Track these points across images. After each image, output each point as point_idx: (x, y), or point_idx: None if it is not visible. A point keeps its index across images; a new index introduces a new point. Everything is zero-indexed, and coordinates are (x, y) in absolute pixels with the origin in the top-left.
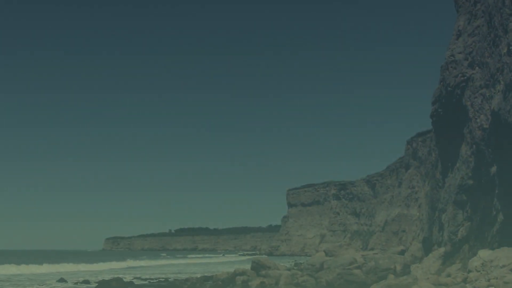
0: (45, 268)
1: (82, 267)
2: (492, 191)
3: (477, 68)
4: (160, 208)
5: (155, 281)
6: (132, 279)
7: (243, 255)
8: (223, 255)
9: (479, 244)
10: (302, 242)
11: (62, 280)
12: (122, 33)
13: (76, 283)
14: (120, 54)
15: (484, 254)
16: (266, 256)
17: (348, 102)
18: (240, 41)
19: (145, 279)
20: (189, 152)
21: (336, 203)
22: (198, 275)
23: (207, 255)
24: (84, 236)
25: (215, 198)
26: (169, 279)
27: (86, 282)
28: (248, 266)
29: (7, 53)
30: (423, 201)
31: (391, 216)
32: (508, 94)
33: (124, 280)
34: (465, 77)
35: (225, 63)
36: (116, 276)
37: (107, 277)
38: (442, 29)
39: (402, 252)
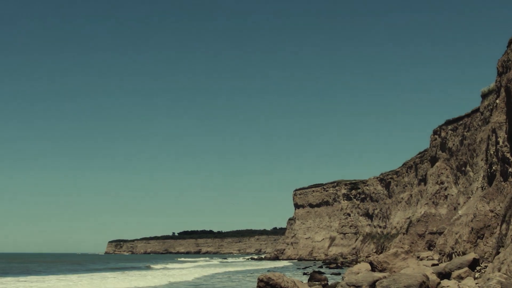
0: None
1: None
2: None
3: None
4: (163, 211)
5: None
6: None
7: (262, 258)
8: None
9: None
10: (310, 245)
11: None
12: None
13: None
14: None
15: None
16: (275, 266)
17: (358, 96)
18: (245, 41)
19: None
20: (191, 154)
21: (347, 204)
22: None
23: (236, 259)
24: (88, 239)
25: (218, 200)
26: None
27: None
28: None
29: None
30: None
31: (415, 216)
32: None
33: None
34: None
35: (226, 62)
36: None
37: None
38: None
39: (475, 262)
